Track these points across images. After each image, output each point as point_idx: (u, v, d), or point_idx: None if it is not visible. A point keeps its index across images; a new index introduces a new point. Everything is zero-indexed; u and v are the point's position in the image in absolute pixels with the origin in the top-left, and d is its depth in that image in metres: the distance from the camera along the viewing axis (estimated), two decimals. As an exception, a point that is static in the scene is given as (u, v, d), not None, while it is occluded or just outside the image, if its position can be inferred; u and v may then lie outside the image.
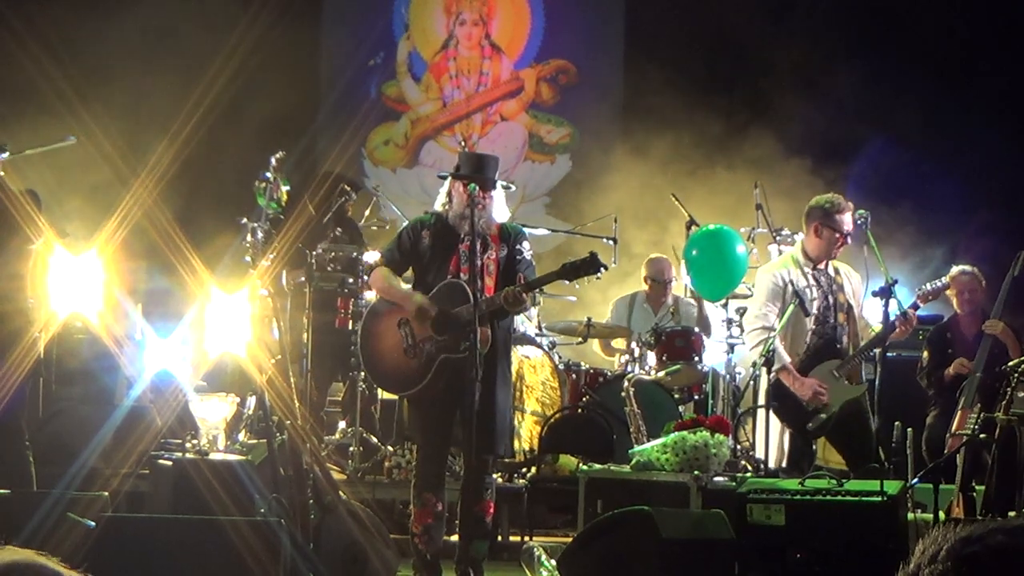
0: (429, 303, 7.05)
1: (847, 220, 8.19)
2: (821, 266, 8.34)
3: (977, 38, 11.92)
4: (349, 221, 10.02)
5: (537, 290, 7.52)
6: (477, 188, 7.11)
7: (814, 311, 8.24)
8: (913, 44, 11.84)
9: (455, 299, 7.01)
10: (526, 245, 7.35)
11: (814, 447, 8.42)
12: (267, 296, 7.63)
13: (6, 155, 7.35)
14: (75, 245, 7.50)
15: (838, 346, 8.26)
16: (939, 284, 8.24)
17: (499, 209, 7.34)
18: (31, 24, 11.26)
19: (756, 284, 8.73)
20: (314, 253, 9.66)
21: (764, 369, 8.27)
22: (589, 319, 10.12)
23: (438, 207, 7.35)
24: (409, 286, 7.42)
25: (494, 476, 7.52)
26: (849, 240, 8.24)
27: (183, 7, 11.75)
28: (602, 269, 7.13)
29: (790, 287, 8.26)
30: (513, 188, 7.60)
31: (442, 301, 7.06)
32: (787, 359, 8.25)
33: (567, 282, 7.58)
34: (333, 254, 9.70)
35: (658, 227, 11.80)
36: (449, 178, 7.30)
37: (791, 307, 8.22)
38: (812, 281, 8.29)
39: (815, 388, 8.11)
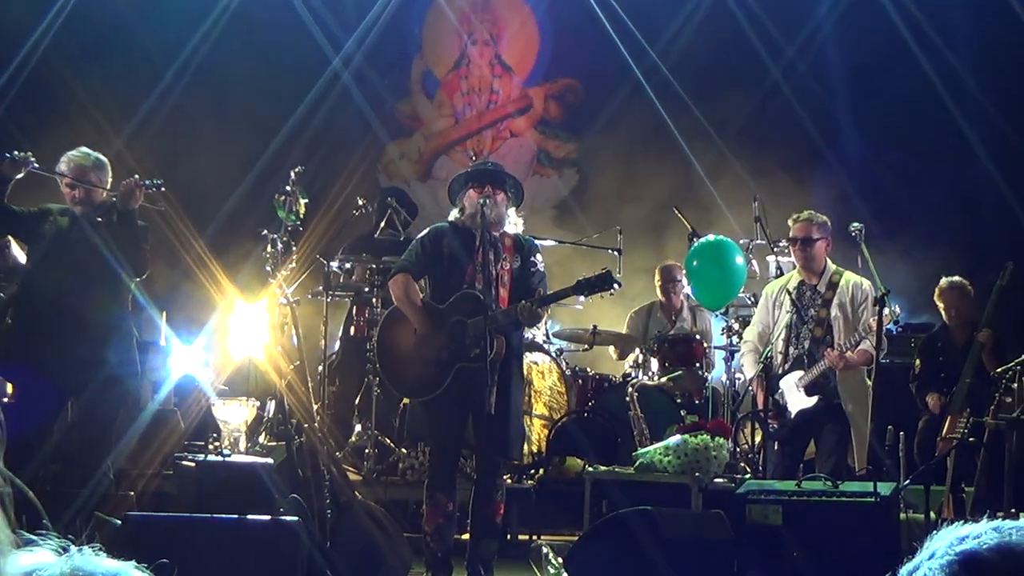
0: (432, 329, 7.08)
1: (792, 230, 8.44)
2: (811, 282, 8.37)
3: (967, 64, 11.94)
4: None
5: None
6: (487, 187, 7.19)
7: (783, 325, 8.32)
8: (909, 67, 11.86)
9: (470, 308, 7.03)
10: (539, 258, 7.37)
11: (775, 447, 8.47)
12: (286, 304, 7.65)
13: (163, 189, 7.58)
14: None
15: (809, 359, 8.26)
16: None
17: (514, 220, 7.38)
18: (68, 58, 11.38)
19: None
20: (331, 264, 9.71)
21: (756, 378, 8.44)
22: (595, 327, 10.12)
23: (452, 217, 7.38)
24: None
25: (504, 479, 7.53)
26: (799, 248, 8.33)
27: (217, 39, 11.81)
28: (615, 287, 7.18)
29: (770, 301, 8.42)
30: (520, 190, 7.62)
31: (458, 310, 7.08)
32: (753, 370, 8.46)
33: (581, 297, 7.61)
34: (350, 264, 9.76)
35: (660, 239, 11.81)
36: (462, 192, 7.32)
37: (781, 319, 8.30)
38: (795, 296, 8.33)
39: (761, 399, 8.29)
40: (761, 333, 8.53)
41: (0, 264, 9.11)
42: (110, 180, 7.50)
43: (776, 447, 8.49)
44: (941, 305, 9.11)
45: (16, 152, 7.22)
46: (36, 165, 7.28)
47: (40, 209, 7.48)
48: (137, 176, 7.46)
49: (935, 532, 1.31)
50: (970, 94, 11.85)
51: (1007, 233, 11.24)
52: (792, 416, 8.27)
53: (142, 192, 7.35)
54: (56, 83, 11.27)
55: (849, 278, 8.34)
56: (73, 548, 1.29)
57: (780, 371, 8.30)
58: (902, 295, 8.93)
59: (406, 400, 9.12)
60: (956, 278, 9.15)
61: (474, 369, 6.91)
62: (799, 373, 8.23)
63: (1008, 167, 11.49)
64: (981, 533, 1.24)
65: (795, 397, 8.25)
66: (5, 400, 6.65)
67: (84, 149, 7.54)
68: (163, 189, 7.64)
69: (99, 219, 7.33)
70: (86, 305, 7.27)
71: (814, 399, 8.19)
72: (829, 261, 8.44)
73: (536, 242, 7.67)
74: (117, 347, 7.32)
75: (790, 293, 8.34)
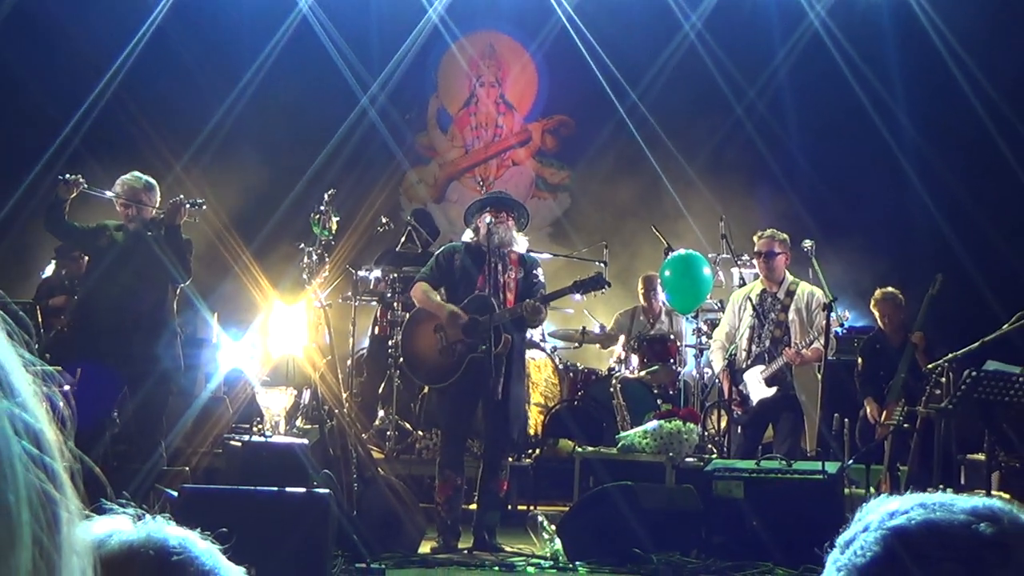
0: (459, 310, 7.12)
1: (757, 245, 8.48)
2: (772, 290, 8.40)
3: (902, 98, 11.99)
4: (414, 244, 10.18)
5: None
6: (502, 213, 7.28)
7: (747, 327, 8.34)
8: (854, 106, 11.90)
9: (482, 309, 7.07)
10: (540, 271, 7.45)
11: (739, 431, 8.49)
12: (320, 308, 7.64)
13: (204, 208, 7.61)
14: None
15: (770, 356, 8.28)
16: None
17: (519, 241, 7.43)
18: (135, 95, 11.40)
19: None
20: (359, 273, 9.70)
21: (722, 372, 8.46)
22: (584, 327, 10.14)
23: (466, 238, 7.43)
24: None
25: (508, 460, 7.54)
26: (763, 260, 8.36)
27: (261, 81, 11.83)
28: (607, 286, 7.23)
29: (736, 306, 8.44)
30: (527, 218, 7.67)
31: (471, 310, 7.12)
32: (720, 365, 8.46)
33: (577, 296, 7.63)
34: (378, 273, 9.75)
35: (638, 251, 11.80)
36: (476, 216, 7.35)
37: (745, 321, 8.33)
38: (757, 302, 8.37)
39: (728, 389, 8.34)
40: (728, 333, 8.57)
41: (76, 272, 9.14)
42: (158, 199, 7.49)
43: (740, 431, 8.50)
44: (876, 313, 9.07)
45: (68, 175, 7.21)
46: (86, 186, 7.27)
47: (97, 225, 7.48)
48: (182, 196, 7.46)
49: (861, 506, 1.31)
50: (902, 127, 11.91)
51: (934, 247, 11.25)
52: (753, 404, 8.28)
53: (186, 210, 7.36)
54: (125, 117, 11.27)
55: (804, 287, 8.37)
56: (147, 516, 1.29)
57: (744, 366, 8.32)
58: (843, 301, 8.91)
59: (425, 390, 9.13)
60: (889, 289, 9.10)
61: (483, 361, 6.94)
62: (761, 367, 8.24)
63: (935, 190, 11.52)
64: (909, 508, 1.23)
65: (757, 388, 8.25)
66: (70, 388, 6.64)
67: (136, 173, 7.52)
68: (204, 208, 7.64)
69: (149, 233, 7.32)
70: (139, 306, 7.26)
71: (773, 390, 8.19)
72: (787, 272, 8.46)
73: (538, 259, 7.74)
74: (167, 344, 7.32)
75: (751, 300, 8.38)
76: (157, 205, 7.45)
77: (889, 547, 1.21)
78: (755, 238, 8.54)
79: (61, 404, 0.92)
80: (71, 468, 0.88)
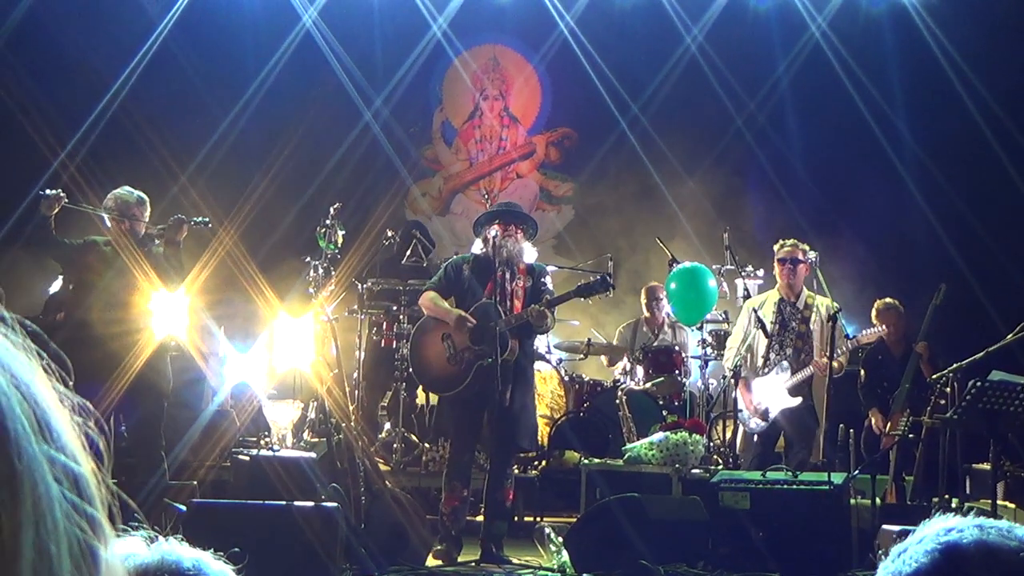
0: (467, 315, 7.13)
1: (780, 252, 8.50)
2: (790, 299, 8.40)
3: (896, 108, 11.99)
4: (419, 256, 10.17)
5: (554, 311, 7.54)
6: (511, 226, 7.29)
7: (764, 335, 8.33)
8: (849, 114, 11.91)
9: (489, 316, 7.07)
10: (548, 279, 7.48)
11: (755, 439, 8.49)
12: (327, 321, 7.63)
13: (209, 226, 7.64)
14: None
15: (793, 365, 8.29)
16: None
17: (528, 252, 7.44)
18: (141, 109, 11.40)
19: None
20: (364, 286, 9.69)
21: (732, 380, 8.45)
22: (589, 339, 10.12)
23: (476, 250, 7.44)
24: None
25: (513, 468, 7.53)
26: (788, 267, 8.35)
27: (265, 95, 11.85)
28: (611, 288, 7.25)
29: (754, 315, 8.39)
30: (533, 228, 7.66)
31: (478, 317, 7.13)
32: (739, 373, 8.45)
33: (582, 299, 7.61)
34: (381, 286, 9.73)
35: (642, 264, 11.80)
36: (485, 227, 7.36)
37: (752, 332, 8.31)
38: (775, 311, 8.36)
39: (747, 399, 8.33)
40: (743, 340, 8.57)
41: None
42: (148, 213, 7.45)
43: (755, 439, 8.52)
44: (879, 322, 9.05)
45: (48, 190, 7.16)
46: (67, 200, 7.22)
47: (85, 241, 7.40)
48: (182, 216, 7.43)
49: (927, 519, 1.32)
50: (903, 139, 11.91)
51: (936, 258, 11.23)
52: (770, 413, 8.26)
53: (188, 228, 7.33)
54: (131, 131, 11.27)
55: (822, 300, 8.46)
56: (161, 538, 1.28)
57: (761, 374, 8.33)
58: (844, 312, 8.90)
59: (435, 403, 9.12)
60: (889, 299, 9.07)
61: (490, 368, 6.93)
62: (784, 377, 8.23)
63: (936, 201, 11.52)
64: (964, 528, 1.24)
65: (775, 397, 8.22)
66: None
67: (127, 188, 7.46)
68: (210, 225, 7.60)
69: (142, 248, 7.27)
70: (131, 319, 7.21)
71: (797, 400, 8.21)
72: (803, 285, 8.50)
73: (546, 267, 7.75)
74: (158, 357, 7.28)
75: (764, 309, 8.39)
76: (148, 220, 7.40)
77: (936, 560, 1.23)
78: (776, 247, 8.54)
79: (98, 440, 0.91)
80: (109, 505, 0.88)
